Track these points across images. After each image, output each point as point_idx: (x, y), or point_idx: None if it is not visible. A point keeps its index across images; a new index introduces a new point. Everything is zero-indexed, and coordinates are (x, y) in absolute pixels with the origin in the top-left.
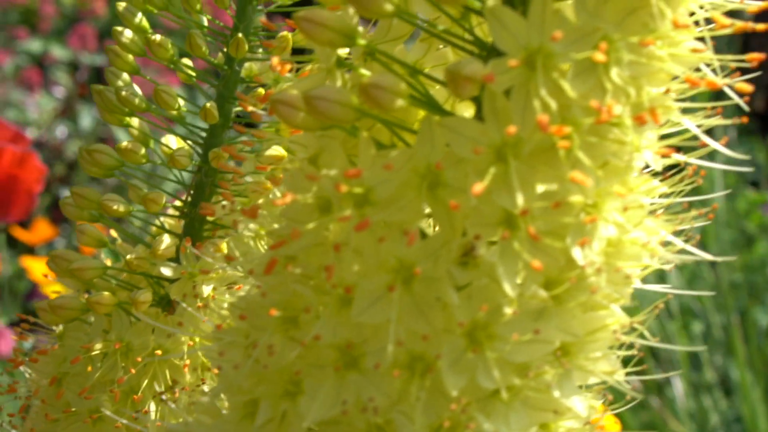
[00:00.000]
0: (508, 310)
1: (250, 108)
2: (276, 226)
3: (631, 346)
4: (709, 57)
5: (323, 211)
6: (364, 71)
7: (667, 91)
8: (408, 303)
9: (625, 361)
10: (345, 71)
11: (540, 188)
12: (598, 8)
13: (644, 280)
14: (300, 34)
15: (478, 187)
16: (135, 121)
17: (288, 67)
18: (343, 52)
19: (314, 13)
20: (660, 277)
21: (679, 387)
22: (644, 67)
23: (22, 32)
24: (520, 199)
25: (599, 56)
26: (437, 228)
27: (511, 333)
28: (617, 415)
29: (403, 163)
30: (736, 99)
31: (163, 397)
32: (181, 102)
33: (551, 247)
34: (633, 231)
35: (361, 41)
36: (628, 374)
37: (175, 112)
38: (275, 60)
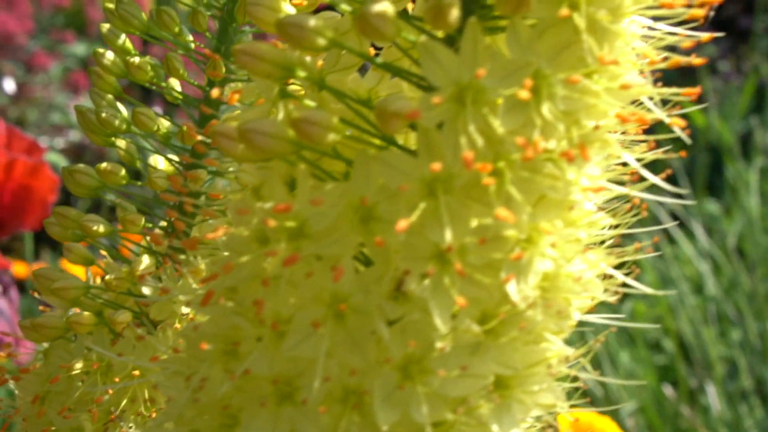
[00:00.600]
0: (440, 345)
1: (199, 137)
2: (225, 253)
3: (576, 379)
4: (648, 91)
5: (261, 243)
6: (309, 102)
7: (597, 128)
8: (342, 336)
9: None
10: (290, 102)
11: (475, 222)
12: (532, 43)
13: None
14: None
15: (403, 224)
16: (122, 142)
17: (236, 96)
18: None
19: (251, 45)
20: (697, 286)
21: (713, 394)
22: (578, 102)
23: (69, 36)
24: (448, 235)
25: (523, 94)
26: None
27: (443, 367)
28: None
29: (338, 197)
30: (679, 132)
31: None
32: (167, 123)
33: (484, 282)
34: (570, 265)
35: (301, 73)
36: (573, 406)
37: (157, 133)
38: (215, 91)
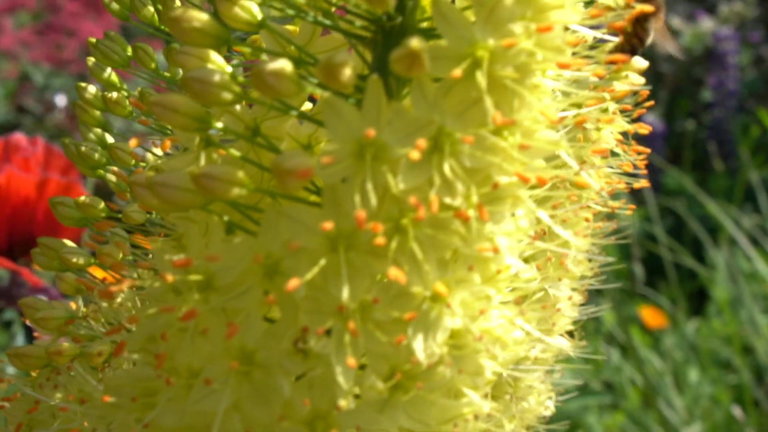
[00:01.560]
0: (342, 402)
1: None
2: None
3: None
4: (564, 146)
5: (177, 294)
6: (234, 152)
7: (496, 186)
8: (248, 390)
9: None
10: (215, 150)
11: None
12: (438, 100)
13: None
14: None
15: (294, 282)
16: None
17: (168, 143)
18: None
19: (165, 98)
20: None
21: None
22: (481, 160)
23: (156, 44)
24: (345, 292)
25: (414, 154)
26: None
27: (348, 424)
28: None
29: (246, 251)
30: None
31: None
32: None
33: (389, 338)
34: (482, 321)
35: (217, 124)
36: None
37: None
38: (132, 141)
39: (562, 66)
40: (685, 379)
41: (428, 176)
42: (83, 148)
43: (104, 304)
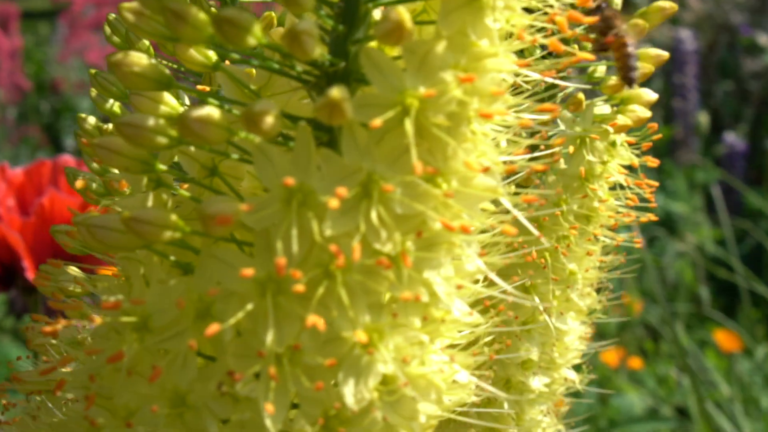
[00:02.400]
0: None
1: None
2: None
3: None
4: (501, 192)
5: (117, 333)
6: (184, 193)
7: (419, 235)
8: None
9: None
10: (166, 191)
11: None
12: (369, 147)
13: None
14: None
15: (213, 328)
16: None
17: (125, 183)
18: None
19: (107, 140)
20: None
21: None
22: (413, 207)
23: None
24: (270, 337)
25: (333, 202)
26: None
27: None
28: None
29: (181, 293)
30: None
31: None
32: None
33: (321, 383)
34: (415, 367)
35: (161, 167)
36: None
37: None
38: (78, 182)
39: (484, 116)
40: (758, 405)
41: (355, 223)
42: (80, 178)
43: (53, 341)
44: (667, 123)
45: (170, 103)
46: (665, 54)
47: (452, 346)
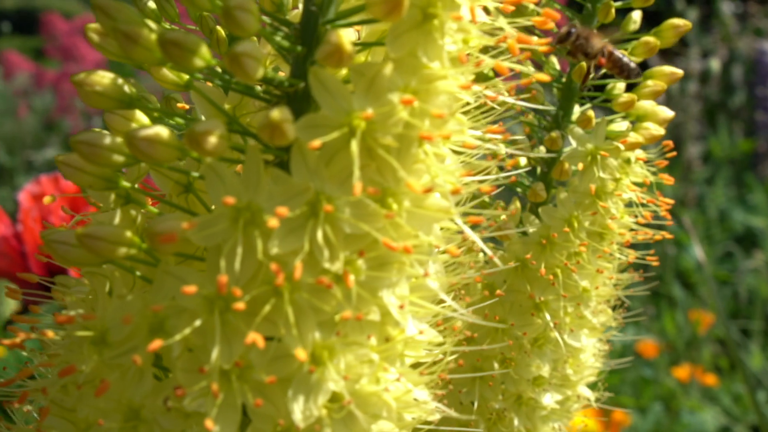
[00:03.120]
0: None
1: None
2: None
3: None
4: (453, 213)
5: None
6: (152, 209)
7: (362, 254)
8: None
9: None
10: (135, 207)
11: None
12: (319, 167)
13: None
14: None
15: (155, 344)
16: None
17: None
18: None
19: (71, 158)
20: None
21: None
22: (360, 227)
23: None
24: (215, 353)
25: (273, 222)
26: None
27: None
28: None
29: (137, 309)
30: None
31: None
32: None
33: (271, 399)
34: (371, 385)
35: (125, 183)
36: None
37: None
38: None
39: (424, 138)
40: None
41: (300, 243)
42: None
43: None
44: (749, 136)
45: (141, 120)
46: (679, 72)
47: (418, 365)
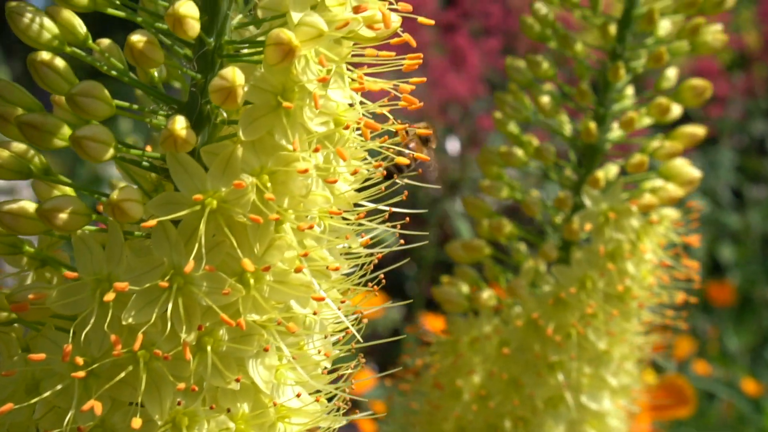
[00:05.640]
0: None
1: None
2: None
3: None
4: (315, 289)
5: None
6: (47, 276)
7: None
8: None
9: None
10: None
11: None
12: (179, 243)
13: None
14: None
15: (6, 406)
16: None
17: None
18: None
19: None
20: None
21: None
22: (218, 300)
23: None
24: (70, 413)
25: (109, 296)
26: None
27: None
28: None
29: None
30: None
31: None
32: None
33: None
34: None
35: (28, 249)
36: None
37: None
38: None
39: (272, 219)
40: None
41: (151, 315)
42: None
43: None
44: None
45: (62, 189)
46: (700, 133)
47: None
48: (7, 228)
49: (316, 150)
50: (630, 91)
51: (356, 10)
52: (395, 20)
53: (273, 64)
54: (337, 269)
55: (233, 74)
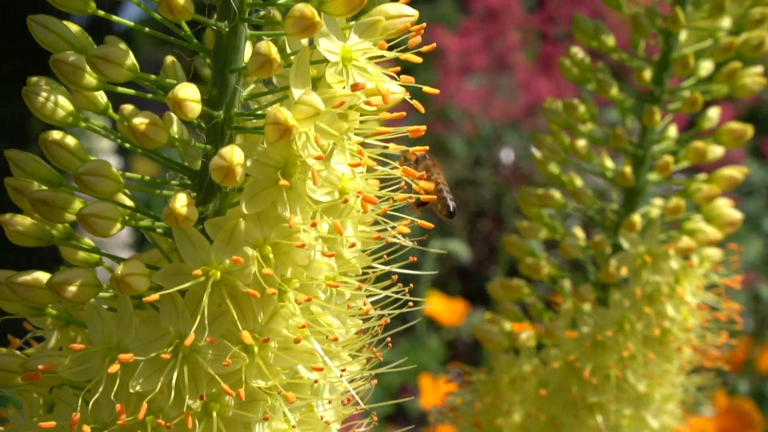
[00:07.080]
0: None
1: None
2: None
3: None
4: (318, 358)
5: None
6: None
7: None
8: None
9: None
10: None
11: None
12: (185, 312)
13: None
14: None
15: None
16: None
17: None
18: None
19: None
20: None
21: None
22: (223, 368)
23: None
24: None
25: (114, 368)
26: None
27: None
28: None
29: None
30: None
31: None
32: None
33: None
34: None
35: (51, 311)
36: None
37: None
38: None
39: (272, 293)
40: None
41: (159, 384)
42: None
43: None
44: None
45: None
46: (738, 176)
47: None
48: (21, 299)
49: (313, 225)
50: (672, 132)
51: (354, 87)
52: (396, 91)
53: (272, 142)
54: (335, 339)
55: (231, 154)
